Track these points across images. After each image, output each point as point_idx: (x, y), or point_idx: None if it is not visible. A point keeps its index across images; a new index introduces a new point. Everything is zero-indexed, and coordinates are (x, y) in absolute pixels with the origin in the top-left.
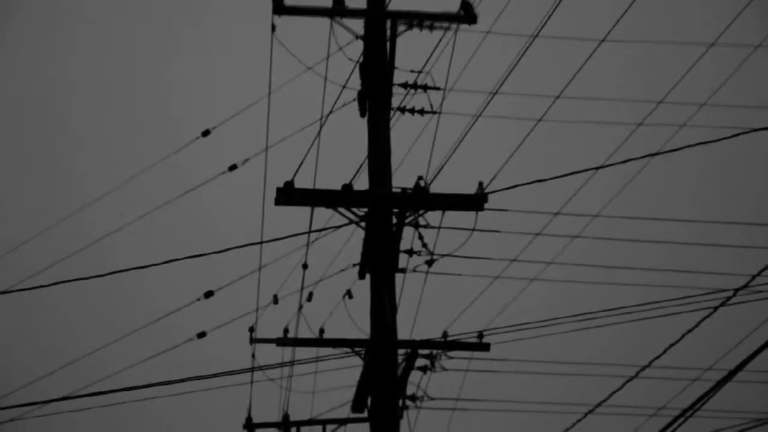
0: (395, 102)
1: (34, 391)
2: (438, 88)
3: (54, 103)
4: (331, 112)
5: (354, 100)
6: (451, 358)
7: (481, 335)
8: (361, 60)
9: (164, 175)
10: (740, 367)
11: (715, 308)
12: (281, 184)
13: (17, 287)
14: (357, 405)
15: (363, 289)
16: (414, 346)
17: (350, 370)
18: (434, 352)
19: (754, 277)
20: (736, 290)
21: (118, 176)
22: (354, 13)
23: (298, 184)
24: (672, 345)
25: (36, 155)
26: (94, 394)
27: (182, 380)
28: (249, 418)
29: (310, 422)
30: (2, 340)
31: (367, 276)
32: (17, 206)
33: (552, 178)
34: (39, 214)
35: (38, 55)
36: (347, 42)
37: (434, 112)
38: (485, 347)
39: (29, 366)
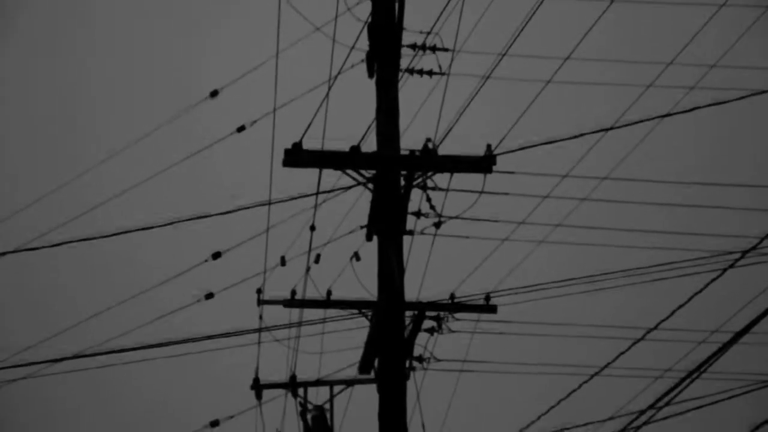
0: (404, 63)
1: (41, 352)
2: (446, 50)
3: (62, 64)
4: (339, 73)
5: (362, 61)
6: (458, 320)
7: (488, 297)
8: (370, 20)
9: (172, 136)
10: (747, 329)
11: (723, 270)
12: (289, 146)
13: (24, 247)
14: (364, 366)
15: (370, 251)
16: (421, 307)
17: (357, 331)
18: (441, 314)
19: (762, 239)
20: (744, 252)
21: (126, 137)
22: None
23: (307, 145)
24: (679, 307)
25: (42, 116)
26: (104, 353)
27: (189, 340)
28: (256, 379)
29: (318, 383)
30: (8, 301)
31: (375, 238)
32: (23, 168)
33: (560, 140)
34: (45, 175)
35: (48, 24)
36: (356, 2)
37: (443, 74)
38: (492, 309)
39: (35, 327)
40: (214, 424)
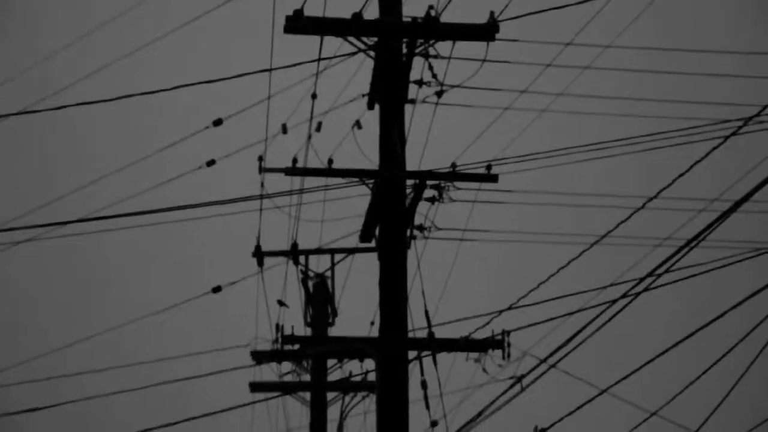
0: None
1: (45, 215)
2: None
3: None
4: None
5: None
6: (459, 189)
7: (489, 167)
8: None
9: (172, 3)
10: (746, 197)
11: (725, 138)
12: (291, 12)
13: (25, 110)
14: (365, 235)
15: (372, 120)
16: (422, 176)
17: (358, 200)
18: (442, 183)
19: (763, 107)
20: (746, 120)
21: (126, 2)
22: None
23: (308, 12)
24: (680, 175)
25: None
26: (107, 217)
27: (192, 206)
28: (258, 247)
29: (318, 251)
30: (13, 165)
31: (377, 107)
32: (19, 32)
33: (563, 7)
34: (43, 38)
35: None
36: None
37: None
38: (493, 178)
39: (39, 190)
40: (216, 290)
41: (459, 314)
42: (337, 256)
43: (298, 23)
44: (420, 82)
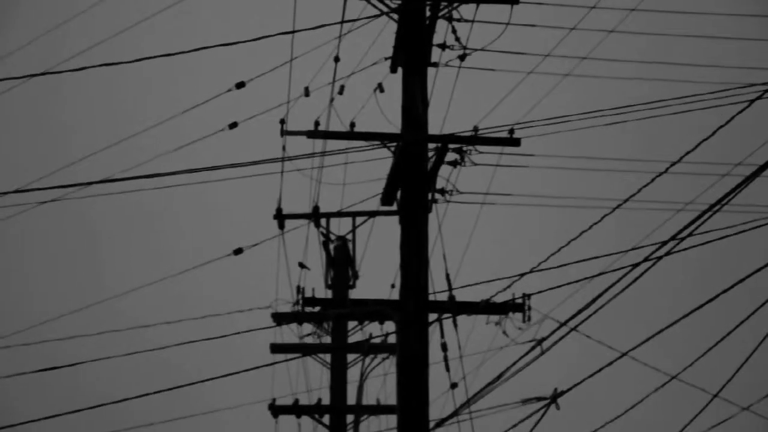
0: None
1: (72, 174)
2: None
3: None
4: None
5: None
6: (481, 153)
7: (512, 131)
8: None
9: None
10: None
11: (750, 102)
12: None
13: (49, 71)
14: (386, 198)
15: (395, 84)
16: (444, 140)
17: (380, 164)
18: (464, 146)
19: None
20: None
21: None
22: None
23: None
24: (704, 140)
25: None
26: (130, 178)
27: (214, 168)
28: (279, 209)
29: (340, 214)
30: (43, 124)
31: (399, 70)
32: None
33: None
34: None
35: None
36: None
37: None
38: (515, 142)
39: (67, 149)
40: (238, 252)
41: (480, 278)
42: (359, 219)
43: None
44: (443, 46)
